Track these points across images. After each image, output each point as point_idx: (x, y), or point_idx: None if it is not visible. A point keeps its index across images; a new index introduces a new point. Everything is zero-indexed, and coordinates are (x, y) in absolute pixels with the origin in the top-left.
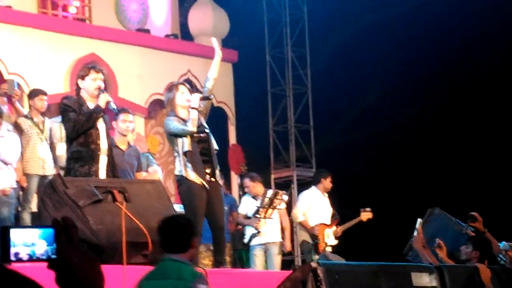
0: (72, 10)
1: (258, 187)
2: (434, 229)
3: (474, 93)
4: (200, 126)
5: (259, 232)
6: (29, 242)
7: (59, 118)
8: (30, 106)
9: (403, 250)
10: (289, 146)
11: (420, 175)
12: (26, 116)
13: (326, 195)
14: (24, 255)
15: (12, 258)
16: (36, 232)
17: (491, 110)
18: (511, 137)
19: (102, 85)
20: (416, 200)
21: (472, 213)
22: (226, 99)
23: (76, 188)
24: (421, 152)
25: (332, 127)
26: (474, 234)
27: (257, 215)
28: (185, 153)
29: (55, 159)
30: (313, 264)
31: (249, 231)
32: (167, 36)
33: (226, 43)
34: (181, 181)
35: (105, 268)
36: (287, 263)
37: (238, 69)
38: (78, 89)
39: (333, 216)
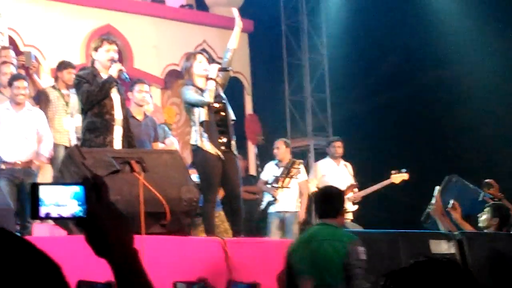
0: None
1: (287, 154)
2: (452, 196)
3: (493, 59)
4: (217, 96)
5: (275, 199)
6: (61, 203)
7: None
8: (57, 78)
9: (421, 218)
10: (306, 116)
11: (438, 142)
12: (53, 87)
13: (343, 162)
14: (55, 214)
15: (42, 215)
16: (68, 191)
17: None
18: None
19: (116, 56)
20: (434, 168)
21: (488, 180)
22: (242, 69)
23: (93, 159)
24: (439, 119)
25: (348, 95)
26: (492, 201)
27: (275, 184)
28: (201, 123)
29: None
30: None
31: (267, 198)
32: (182, 6)
33: (241, 13)
34: (196, 150)
35: None
36: None
37: (254, 39)
38: (92, 60)
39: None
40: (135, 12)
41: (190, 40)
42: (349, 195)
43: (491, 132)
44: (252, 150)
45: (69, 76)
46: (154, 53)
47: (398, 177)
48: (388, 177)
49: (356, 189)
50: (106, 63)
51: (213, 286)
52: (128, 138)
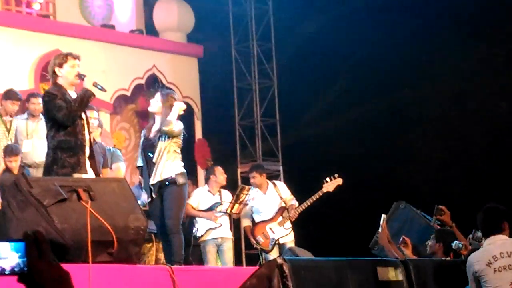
0: (36, 6)
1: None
2: (400, 223)
3: (442, 85)
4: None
5: (220, 225)
6: (2, 255)
7: (24, 115)
8: (0, 105)
9: (369, 244)
10: (255, 140)
11: (387, 168)
12: None
13: (271, 184)
14: None
15: None
16: (7, 245)
17: (459, 101)
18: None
19: (80, 71)
20: (383, 194)
21: (440, 206)
22: (191, 94)
23: (40, 188)
24: (387, 145)
25: (298, 120)
26: (439, 227)
27: (216, 210)
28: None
29: (23, 157)
30: (279, 260)
31: (202, 224)
32: (132, 31)
33: (191, 38)
34: None
35: (71, 267)
36: (254, 259)
37: (204, 63)
38: (54, 77)
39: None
40: (84, 37)
41: (140, 65)
42: (278, 220)
43: (441, 158)
44: (201, 174)
45: (13, 107)
46: (103, 78)
47: (331, 184)
48: (321, 188)
49: (291, 209)
50: (72, 80)
51: None
52: (94, 160)
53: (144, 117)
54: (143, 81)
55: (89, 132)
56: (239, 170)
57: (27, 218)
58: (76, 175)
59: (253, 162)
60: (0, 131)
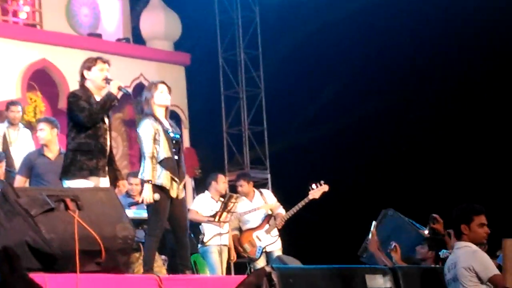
0: (23, 15)
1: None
2: (388, 230)
3: (428, 90)
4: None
5: (227, 232)
6: None
7: (5, 124)
8: None
9: (357, 251)
10: (243, 148)
11: (374, 175)
12: None
13: (258, 192)
14: None
15: None
16: None
17: (445, 110)
18: (468, 136)
19: (109, 76)
20: (370, 201)
21: (434, 215)
22: (179, 102)
23: (28, 197)
24: (375, 152)
25: (286, 128)
26: (428, 235)
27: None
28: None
29: (10, 164)
30: (267, 268)
31: (208, 230)
32: (119, 40)
33: (178, 46)
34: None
35: (59, 277)
36: (242, 267)
37: (191, 72)
38: (83, 80)
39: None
40: (72, 46)
41: (127, 74)
42: (265, 227)
43: (429, 165)
44: (189, 183)
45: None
46: None
47: (317, 191)
48: (307, 195)
49: (276, 217)
50: (99, 83)
51: None
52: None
53: (132, 125)
54: (130, 90)
55: (111, 137)
56: (227, 178)
57: (14, 228)
58: (93, 178)
59: (240, 170)
60: None
